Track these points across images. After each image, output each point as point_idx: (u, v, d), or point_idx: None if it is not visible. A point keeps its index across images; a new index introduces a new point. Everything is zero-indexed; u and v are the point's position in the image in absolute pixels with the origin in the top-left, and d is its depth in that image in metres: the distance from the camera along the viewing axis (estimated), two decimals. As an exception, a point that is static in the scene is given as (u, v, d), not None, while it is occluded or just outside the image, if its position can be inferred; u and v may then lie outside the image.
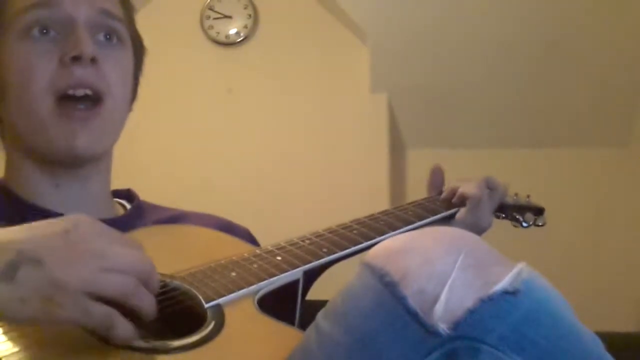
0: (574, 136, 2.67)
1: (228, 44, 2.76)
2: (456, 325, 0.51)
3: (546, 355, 0.52)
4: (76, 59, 0.82)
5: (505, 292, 0.52)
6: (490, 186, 1.07)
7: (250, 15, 2.74)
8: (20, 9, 0.84)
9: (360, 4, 2.57)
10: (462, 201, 1.04)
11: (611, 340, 0.58)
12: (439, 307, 0.52)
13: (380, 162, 2.63)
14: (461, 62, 2.60)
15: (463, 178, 1.09)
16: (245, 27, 2.74)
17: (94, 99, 0.85)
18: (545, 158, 2.66)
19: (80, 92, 0.84)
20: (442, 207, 1.04)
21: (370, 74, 2.66)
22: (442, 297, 0.52)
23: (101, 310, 0.56)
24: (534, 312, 0.53)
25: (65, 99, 0.84)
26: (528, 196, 1.19)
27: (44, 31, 0.84)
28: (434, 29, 2.54)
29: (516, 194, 1.18)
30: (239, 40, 2.75)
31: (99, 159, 0.91)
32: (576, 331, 0.55)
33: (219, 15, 2.75)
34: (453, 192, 1.05)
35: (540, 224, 1.16)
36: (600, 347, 0.55)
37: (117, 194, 1.01)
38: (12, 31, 0.85)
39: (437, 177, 1.12)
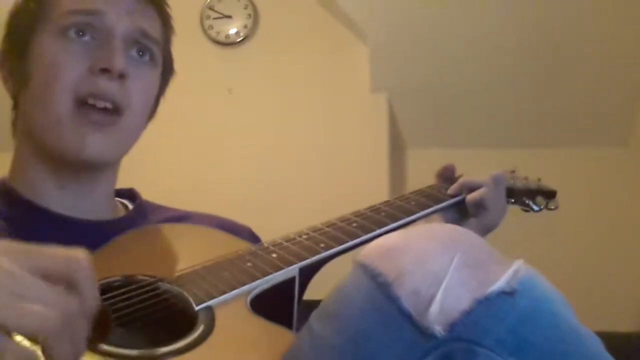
0: (574, 136, 2.67)
1: (228, 44, 2.75)
2: (452, 327, 0.50)
3: (545, 356, 0.51)
4: (105, 70, 0.83)
5: (502, 292, 0.51)
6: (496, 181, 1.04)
7: (250, 15, 2.74)
8: (65, 11, 0.86)
9: (360, 4, 2.57)
10: (470, 189, 1.02)
11: (611, 340, 0.57)
12: (434, 308, 0.51)
13: (380, 162, 2.62)
14: (461, 61, 2.59)
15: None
16: (245, 27, 2.74)
17: (113, 111, 0.85)
18: (545, 158, 2.65)
19: (100, 104, 0.84)
20: (446, 195, 1.01)
21: (370, 74, 2.66)
22: (438, 298, 0.51)
23: (18, 353, 0.44)
24: (532, 312, 0.52)
25: (84, 105, 0.84)
26: (539, 179, 1.15)
27: (80, 33, 0.85)
28: (434, 28, 2.54)
29: (526, 178, 1.14)
30: (239, 40, 2.75)
31: (106, 168, 0.91)
32: (576, 331, 0.54)
33: (219, 15, 2.75)
34: (461, 186, 1.03)
35: (552, 207, 1.12)
36: (600, 346, 0.54)
37: (119, 193, 1.00)
38: (52, 29, 0.86)
39: (448, 171, 1.10)
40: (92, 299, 0.50)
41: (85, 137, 0.83)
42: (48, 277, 0.48)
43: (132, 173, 1.03)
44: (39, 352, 0.45)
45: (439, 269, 0.53)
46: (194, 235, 0.90)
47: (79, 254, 0.50)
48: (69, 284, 0.48)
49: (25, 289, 0.46)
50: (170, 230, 0.91)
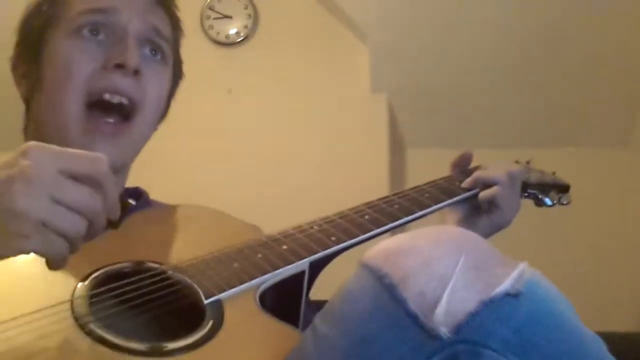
0: (574, 136, 2.67)
1: (228, 44, 2.75)
2: (457, 328, 0.50)
3: (548, 358, 0.51)
4: (120, 66, 0.84)
5: (507, 294, 0.52)
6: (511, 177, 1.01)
7: (250, 15, 2.74)
8: (78, 11, 0.86)
9: (360, 4, 2.57)
10: (484, 185, 0.99)
11: (611, 340, 0.57)
12: (440, 310, 0.51)
13: (380, 162, 2.63)
14: (461, 61, 2.60)
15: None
16: (245, 27, 2.74)
17: (126, 113, 0.86)
18: (545, 158, 2.64)
19: (116, 99, 0.84)
20: (460, 188, 0.98)
21: (370, 74, 2.66)
22: (443, 300, 0.51)
23: (62, 243, 0.55)
24: (536, 315, 0.52)
25: (97, 107, 0.84)
26: (553, 173, 1.13)
27: (94, 32, 0.86)
28: (434, 28, 2.54)
29: (542, 171, 1.12)
30: (239, 40, 2.75)
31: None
32: (578, 332, 0.54)
33: (219, 15, 2.75)
34: (475, 180, 1.00)
35: (565, 202, 1.10)
36: (602, 348, 0.55)
37: (126, 193, 1.00)
38: (65, 29, 0.86)
39: (464, 159, 1.08)
40: (112, 196, 0.58)
41: (93, 144, 0.83)
42: (76, 177, 0.56)
43: (130, 174, 1.03)
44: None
45: (445, 270, 0.53)
46: (203, 217, 0.88)
47: (101, 156, 0.58)
48: (94, 184, 0.56)
49: (61, 193, 0.54)
50: (179, 212, 0.89)
